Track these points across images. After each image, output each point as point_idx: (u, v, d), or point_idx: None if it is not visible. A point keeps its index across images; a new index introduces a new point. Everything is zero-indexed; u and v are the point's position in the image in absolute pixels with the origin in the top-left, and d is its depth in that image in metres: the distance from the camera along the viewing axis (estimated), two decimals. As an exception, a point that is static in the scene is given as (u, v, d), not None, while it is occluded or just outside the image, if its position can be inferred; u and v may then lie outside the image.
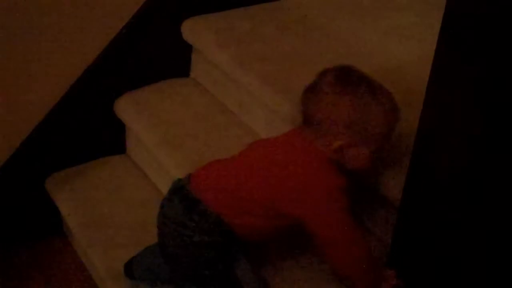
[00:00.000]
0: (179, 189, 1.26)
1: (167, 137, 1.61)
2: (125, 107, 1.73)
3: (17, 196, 1.72)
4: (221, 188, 1.23)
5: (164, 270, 1.35)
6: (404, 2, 1.89)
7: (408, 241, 1.12)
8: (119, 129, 1.80)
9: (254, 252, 1.30)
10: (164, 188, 1.66)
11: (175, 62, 1.81)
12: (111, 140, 1.82)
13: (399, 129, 1.34)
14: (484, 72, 0.87)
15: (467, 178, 0.95)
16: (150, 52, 1.75)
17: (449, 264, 1.05)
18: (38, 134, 1.68)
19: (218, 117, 1.67)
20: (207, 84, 1.79)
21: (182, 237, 1.22)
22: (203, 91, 1.78)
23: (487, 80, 0.87)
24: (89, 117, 1.74)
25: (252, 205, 1.21)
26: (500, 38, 0.83)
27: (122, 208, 1.65)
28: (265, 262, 1.32)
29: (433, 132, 1.00)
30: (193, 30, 1.73)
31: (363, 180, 1.30)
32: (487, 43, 0.85)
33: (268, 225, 1.22)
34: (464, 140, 0.94)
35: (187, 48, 1.79)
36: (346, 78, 1.21)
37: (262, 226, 1.22)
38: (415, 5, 1.87)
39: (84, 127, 1.74)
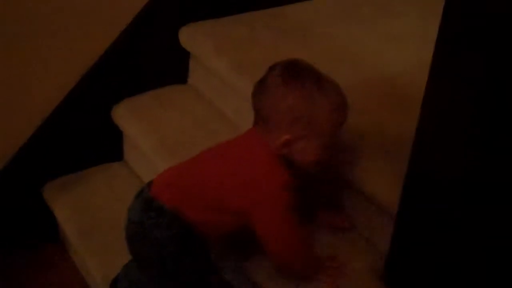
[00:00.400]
0: (139, 193, 1.30)
1: (164, 144, 1.61)
2: (123, 114, 1.73)
3: (14, 203, 1.71)
4: (175, 185, 1.26)
5: (144, 283, 1.34)
6: (402, 9, 1.90)
7: (405, 249, 1.11)
8: (116, 135, 1.79)
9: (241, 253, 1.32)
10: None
11: (173, 68, 1.82)
12: (109, 146, 1.81)
13: (396, 136, 1.33)
14: (482, 76, 0.87)
15: (465, 184, 0.95)
16: (148, 58, 1.75)
17: (447, 271, 1.04)
18: (35, 141, 1.67)
19: (216, 123, 1.67)
20: (204, 90, 1.78)
21: (143, 235, 1.24)
22: (201, 98, 1.78)
23: (485, 84, 0.87)
24: (86, 124, 1.74)
25: (204, 201, 1.23)
26: (497, 41, 0.83)
27: (119, 215, 1.62)
28: (252, 262, 1.32)
29: (430, 138, 0.99)
30: (190, 36, 1.73)
31: (355, 186, 1.31)
32: (484, 47, 0.85)
33: (223, 220, 1.24)
34: (461, 145, 0.94)
35: (185, 55, 1.79)
36: (292, 72, 1.20)
37: (217, 221, 1.24)
38: (412, 12, 1.88)
39: (81, 133, 1.74)
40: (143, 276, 1.32)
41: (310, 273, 1.26)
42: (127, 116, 1.72)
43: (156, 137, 1.63)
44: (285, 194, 1.18)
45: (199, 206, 1.23)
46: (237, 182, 1.21)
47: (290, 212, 1.19)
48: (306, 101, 1.17)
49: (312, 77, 1.20)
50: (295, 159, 1.22)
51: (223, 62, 1.62)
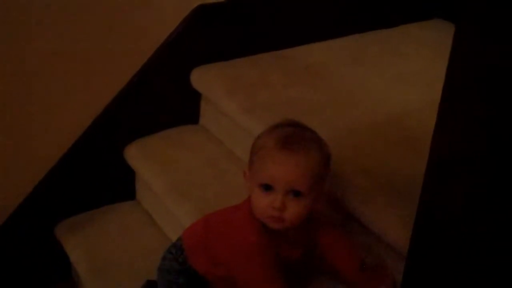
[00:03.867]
0: None
1: (176, 184, 1.62)
2: (135, 154, 1.75)
3: (26, 243, 1.73)
4: (190, 238, 1.33)
5: None
6: (409, 50, 1.92)
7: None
8: (129, 175, 1.82)
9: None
10: (173, 235, 1.67)
11: (185, 109, 1.84)
12: (121, 186, 1.83)
13: (405, 176, 1.35)
14: (492, 116, 0.88)
15: (476, 224, 0.95)
16: (160, 99, 1.78)
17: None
18: (48, 181, 1.69)
19: (227, 164, 1.69)
20: (215, 131, 1.81)
21: (161, 265, 1.36)
22: (212, 138, 1.80)
23: (495, 125, 0.88)
24: (99, 163, 1.76)
25: (207, 254, 1.29)
26: (505, 80, 0.85)
27: (131, 255, 1.65)
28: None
29: (440, 179, 1.00)
30: (201, 78, 1.76)
31: (366, 225, 1.31)
32: (493, 87, 0.86)
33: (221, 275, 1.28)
34: (472, 185, 0.95)
35: (196, 96, 1.82)
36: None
37: (217, 275, 1.29)
38: (420, 53, 1.90)
39: (94, 173, 1.76)
40: None
41: None
42: (139, 156, 1.74)
43: (167, 177, 1.65)
44: (260, 253, 1.19)
45: (208, 262, 1.29)
46: (223, 244, 1.26)
47: (268, 269, 1.20)
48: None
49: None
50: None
51: (234, 104, 1.64)
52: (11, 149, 1.60)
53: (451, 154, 0.96)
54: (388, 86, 1.73)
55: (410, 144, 1.47)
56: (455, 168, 0.96)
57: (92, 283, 1.60)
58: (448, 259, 1.01)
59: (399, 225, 1.25)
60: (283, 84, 1.73)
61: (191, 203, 1.54)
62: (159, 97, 1.77)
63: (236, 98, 1.66)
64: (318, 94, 1.69)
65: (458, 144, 0.94)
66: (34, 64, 1.54)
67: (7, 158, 1.60)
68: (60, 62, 1.57)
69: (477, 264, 0.97)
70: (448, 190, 0.98)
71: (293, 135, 1.19)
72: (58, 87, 1.60)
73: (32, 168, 1.67)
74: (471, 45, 0.87)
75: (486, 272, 0.97)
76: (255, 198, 1.19)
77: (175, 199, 1.58)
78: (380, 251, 1.34)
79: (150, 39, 1.70)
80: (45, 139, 1.66)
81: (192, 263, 1.30)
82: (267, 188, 1.17)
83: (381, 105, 1.64)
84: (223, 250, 1.25)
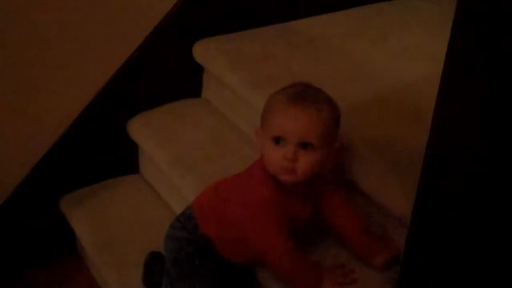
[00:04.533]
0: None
1: (179, 158, 1.63)
2: (138, 128, 1.76)
3: (32, 216, 1.74)
4: (201, 204, 1.35)
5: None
6: (412, 23, 1.91)
7: (418, 260, 1.12)
8: (132, 149, 1.82)
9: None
10: (177, 208, 1.68)
11: (187, 82, 1.84)
12: (125, 160, 1.84)
13: (410, 147, 1.35)
14: (493, 88, 0.88)
15: (478, 196, 0.96)
16: (162, 73, 1.77)
17: (460, 282, 1.05)
18: (52, 155, 1.70)
19: (230, 137, 1.69)
20: (218, 104, 1.81)
21: (169, 234, 1.37)
22: (215, 111, 1.80)
23: (497, 95, 0.88)
24: (103, 137, 1.76)
25: (218, 218, 1.31)
26: (507, 54, 0.84)
27: (136, 227, 1.67)
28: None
29: (442, 149, 1.01)
30: (204, 51, 1.75)
31: (370, 196, 1.32)
32: (495, 59, 0.86)
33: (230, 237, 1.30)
34: (474, 157, 0.95)
35: (199, 69, 1.81)
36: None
37: (227, 239, 1.30)
38: (423, 25, 1.89)
39: (98, 147, 1.77)
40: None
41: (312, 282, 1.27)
42: (142, 130, 1.75)
43: (170, 151, 1.66)
44: (271, 208, 1.22)
45: (217, 222, 1.31)
46: (234, 200, 1.28)
47: (279, 225, 1.22)
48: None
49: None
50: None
51: (236, 77, 1.64)
52: (15, 123, 1.60)
53: (452, 126, 0.96)
54: (391, 58, 1.72)
55: (414, 116, 1.47)
56: (456, 140, 0.96)
57: (98, 256, 1.62)
58: (449, 228, 1.02)
59: (401, 195, 1.26)
60: (286, 57, 1.73)
61: (195, 176, 1.55)
62: (162, 71, 1.77)
63: (239, 71, 1.65)
64: (321, 67, 1.69)
65: (460, 116, 0.95)
66: (37, 35, 1.53)
67: (10, 132, 1.61)
68: (61, 35, 1.57)
69: (477, 233, 0.98)
70: (450, 162, 0.99)
71: (306, 92, 1.24)
72: (60, 61, 1.60)
73: (35, 142, 1.68)
74: (472, 16, 0.87)
75: (487, 242, 0.97)
76: (267, 152, 1.22)
77: (178, 172, 1.59)
78: (382, 221, 1.36)
79: (152, 12, 1.69)
80: (48, 113, 1.66)
81: (202, 228, 1.31)
82: (279, 141, 1.20)
83: (384, 78, 1.63)
84: (236, 210, 1.26)
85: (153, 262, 1.48)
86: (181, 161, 1.61)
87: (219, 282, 1.32)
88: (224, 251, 1.31)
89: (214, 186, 1.36)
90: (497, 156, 0.91)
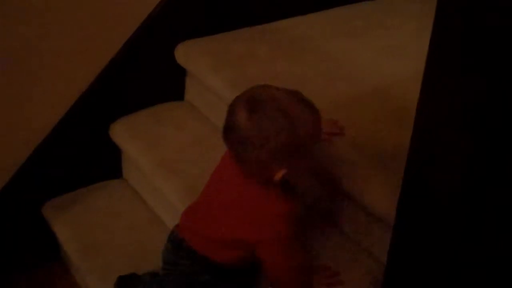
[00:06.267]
0: (171, 233, 1.37)
1: (162, 162, 1.61)
2: (120, 132, 1.74)
3: (14, 223, 1.72)
4: (194, 230, 1.31)
5: None
6: (394, 23, 1.91)
7: (403, 259, 1.12)
8: (115, 153, 1.80)
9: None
10: (162, 212, 1.67)
11: (170, 85, 1.83)
12: (108, 164, 1.82)
13: (393, 147, 1.35)
14: (475, 87, 0.88)
15: (460, 194, 0.96)
16: (144, 76, 1.76)
17: (445, 281, 1.05)
18: (34, 160, 1.68)
19: (213, 140, 1.68)
20: (201, 107, 1.80)
21: (174, 273, 1.32)
22: (198, 114, 1.79)
23: (478, 95, 0.88)
24: (85, 142, 1.75)
25: (220, 242, 1.27)
26: (489, 51, 0.84)
27: (120, 233, 1.65)
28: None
29: (425, 148, 1.00)
30: (186, 54, 1.74)
31: (354, 197, 1.32)
32: (476, 58, 0.86)
33: (242, 254, 1.27)
34: (457, 155, 0.95)
35: (181, 72, 1.80)
36: (259, 108, 1.15)
37: (238, 256, 1.28)
38: (405, 26, 1.89)
39: (80, 152, 1.75)
40: None
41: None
42: (125, 134, 1.73)
43: (153, 155, 1.64)
44: (288, 223, 1.19)
45: (219, 247, 1.28)
46: (244, 221, 1.23)
47: (295, 240, 1.22)
48: (286, 134, 1.13)
49: (281, 104, 1.15)
50: (295, 185, 1.24)
51: (219, 79, 1.63)
52: (-5, 129, 1.59)
53: (435, 125, 0.96)
54: (374, 58, 1.72)
55: (397, 116, 1.46)
56: (439, 138, 0.96)
57: (81, 262, 1.60)
58: (434, 228, 1.02)
59: (386, 197, 1.25)
60: (269, 58, 1.72)
61: (178, 180, 1.54)
62: (144, 74, 1.75)
63: (221, 73, 1.64)
64: (304, 67, 1.68)
65: (442, 115, 0.94)
66: (15, 40, 1.51)
67: (-9, 138, 1.59)
68: (42, 41, 1.55)
69: (462, 232, 0.98)
70: (432, 160, 0.98)
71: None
72: (40, 66, 1.58)
73: (17, 147, 1.66)
74: (453, 16, 0.87)
75: (470, 241, 0.97)
76: (310, 161, 1.22)
77: (162, 176, 1.57)
78: (368, 222, 1.35)
79: (133, 14, 1.68)
80: (30, 118, 1.64)
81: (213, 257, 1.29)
82: None
83: (367, 78, 1.63)
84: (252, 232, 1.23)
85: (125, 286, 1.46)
86: (164, 165, 1.60)
87: None
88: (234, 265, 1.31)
89: (200, 213, 1.32)
90: (481, 154, 0.91)
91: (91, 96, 1.69)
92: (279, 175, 1.16)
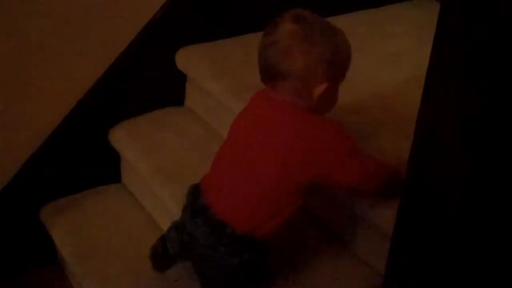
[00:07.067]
0: (201, 211, 1.24)
1: (161, 167, 1.60)
2: (120, 137, 1.73)
3: (11, 226, 1.71)
4: (237, 199, 1.21)
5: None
6: (397, 31, 1.91)
7: (400, 270, 1.11)
8: (114, 158, 1.80)
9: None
10: (159, 218, 1.66)
11: (170, 91, 1.82)
12: (107, 169, 1.81)
13: (391, 156, 1.34)
14: (475, 96, 0.88)
15: (460, 206, 0.95)
16: (144, 81, 1.75)
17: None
18: (33, 164, 1.67)
19: (213, 146, 1.66)
20: (201, 112, 1.79)
21: (213, 259, 1.23)
22: (198, 120, 1.78)
23: (478, 104, 0.87)
24: (84, 146, 1.74)
25: (273, 196, 1.19)
26: (487, 58, 0.84)
27: (117, 238, 1.64)
28: None
29: (425, 159, 1.00)
30: (187, 59, 1.74)
31: (353, 207, 1.31)
32: (476, 64, 0.86)
33: (293, 209, 1.21)
34: (457, 166, 0.94)
35: (182, 77, 1.79)
36: (305, 21, 1.19)
37: (288, 216, 1.21)
38: (407, 33, 1.89)
39: (79, 156, 1.74)
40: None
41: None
42: (124, 139, 1.72)
43: (152, 160, 1.63)
44: (346, 137, 1.19)
45: (269, 210, 1.20)
46: (294, 155, 1.17)
47: (360, 149, 1.20)
48: (331, 45, 1.18)
49: (322, 21, 1.21)
50: (321, 107, 1.23)
51: (219, 85, 1.62)
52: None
53: (435, 133, 0.96)
54: (376, 66, 1.72)
55: (397, 124, 1.46)
56: (439, 147, 0.96)
57: (78, 267, 1.59)
58: (432, 237, 1.01)
59: (385, 206, 1.24)
60: (270, 65, 1.71)
61: (176, 186, 1.53)
62: (144, 79, 1.75)
63: (222, 79, 1.64)
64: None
65: (443, 123, 0.94)
66: (15, 42, 1.51)
67: (-11, 141, 1.58)
68: (43, 44, 1.55)
69: (455, 244, 0.97)
70: (432, 168, 0.98)
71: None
72: (39, 70, 1.57)
73: (16, 150, 1.65)
74: (455, 23, 0.87)
75: (469, 251, 0.96)
76: (335, 96, 1.25)
77: (160, 182, 1.57)
78: (365, 230, 1.34)
79: (135, 18, 1.67)
80: (29, 121, 1.63)
81: (256, 231, 1.21)
82: None
83: (368, 85, 1.63)
84: (321, 148, 1.18)
85: (161, 253, 1.38)
86: (163, 171, 1.59)
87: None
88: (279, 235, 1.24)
89: (236, 173, 1.24)
90: (479, 163, 0.90)
91: (91, 100, 1.68)
92: (320, 88, 1.18)
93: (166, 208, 1.56)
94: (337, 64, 1.20)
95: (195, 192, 1.29)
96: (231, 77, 1.64)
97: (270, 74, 1.21)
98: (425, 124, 0.97)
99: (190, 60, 1.73)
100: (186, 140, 1.70)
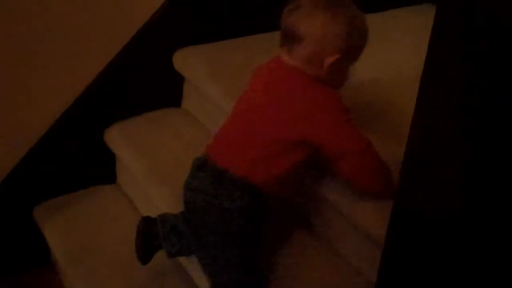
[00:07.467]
0: (202, 165, 1.29)
1: (155, 169, 1.59)
2: (115, 137, 1.72)
3: (5, 226, 1.70)
4: (241, 153, 1.26)
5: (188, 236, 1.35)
6: (397, 36, 1.90)
7: (392, 281, 1.10)
8: (109, 158, 1.78)
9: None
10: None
11: (167, 92, 1.81)
12: (102, 169, 1.80)
13: (391, 164, 1.32)
14: (470, 109, 0.86)
15: (451, 217, 0.94)
16: (141, 81, 1.74)
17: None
18: (27, 162, 1.67)
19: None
20: (198, 114, 1.78)
21: (214, 207, 1.25)
22: (194, 122, 1.77)
23: (472, 116, 0.86)
24: (79, 146, 1.73)
25: (269, 148, 1.24)
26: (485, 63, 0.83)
27: (110, 239, 1.63)
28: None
29: (419, 165, 0.99)
30: (184, 60, 1.72)
31: (346, 216, 1.30)
32: (471, 70, 0.85)
33: (287, 165, 1.24)
34: (451, 173, 0.93)
35: (179, 78, 1.78)
36: None
37: (284, 170, 1.24)
38: (408, 39, 1.87)
39: (74, 155, 1.73)
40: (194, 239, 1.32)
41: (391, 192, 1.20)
42: (119, 139, 1.71)
43: (147, 161, 1.62)
44: (340, 105, 1.24)
45: (267, 159, 1.24)
46: (292, 111, 1.23)
47: (354, 124, 1.24)
48: (353, 21, 1.25)
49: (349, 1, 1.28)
50: (329, 80, 1.27)
51: (216, 87, 1.61)
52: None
53: (429, 143, 0.94)
54: (374, 71, 1.70)
55: (394, 130, 1.44)
56: (432, 157, 0.94)
57: (69, 268, 1.58)
58: (423, 248, 1.00)
59: (376, 214, 1.23)
60: (269, 68, 1.70)
61: (170, 188, 1.52)
62: (141, 79, 1.74)
63: (219, 81, 1.63)
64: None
65: (436, 134, 0.93)
66: (11, 42, 1.50)
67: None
68: (40, 43, 1.54)
69: (454, 252, 0.96)
70: (426, 180, 0.96)
71: None
72: (35, 68, 1.56)
73: (11, 148, 1.64)
74: (451, 28, 0.86)
75: (465, 262, 0.95)
76: (346, 73, 1.32)
77: (153, 184, 1.56)
78: (356, 239, 1.33)
79: (132, 19, 1.66)
80: (24, 120, 1.62)
81: (255, 179, 1.24)
82: None
83: (366, 90, 1.61)
84: (308, 103, 1.24)
85: (148, 228, 1.39)
86: (157, 172, 1.58)
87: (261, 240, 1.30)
88: (280, 192, 1.28)
89: (239, 125, 1.31)
90: (476, 169, 0.89)
91: (87, 100, 1.68)
92: (331, 59, 1.24)
93: (160, 209, 1.54)
94: (353, 41, 1.25)
95: (198, 158, 1.33)
96: (227, 80, 1.63)
97: (288, 36, 1.27)
98: (420, 131, 0.96)
99: (188, 61, 1.72)
100: (182, 141, 1.69)
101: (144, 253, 1.38)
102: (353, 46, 1.26)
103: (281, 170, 1.24)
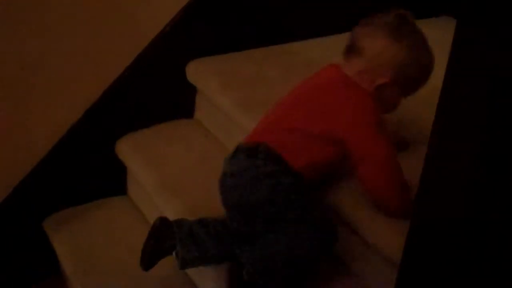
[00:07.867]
0: (235, 151, 1.31)
1: (166, 181, 1.57)
2: (126, 149, 1.71)
3: (15, 237, 1.69)
4: (273, 128, 1.30)
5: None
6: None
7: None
8: (120, 170, 1.77)
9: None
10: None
11: (180, 103, 1.80)
12: (113, 181, 1.79)
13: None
14: (486, 129, 0.84)
15: (471, 236, 0.91)
16: (154, 92, 1.73)
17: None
18: (38, 174, 1.66)
19: (220, 161, 1.63)
20: (210, 126, 1.76)
21: (256, 175, 1.24)
22: (206, 133, 1.76)
23: (488, 138, 0.84)
24: (90, 157, 1.72)
25: (301, 136, 1.25)
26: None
27: (120, 251, 1.61)
28: None
29: (434, 187, 0.96)
30: (197, 72, 1.71)
31: (360, 233, 1.27)
32: (494, 84, 0.83)
33: (309, 160, 1.25)
34: (467, 195, 0.91)
35: (192, 89, 1.77)
36: (406, 22, 1.30)
37: (305, 163, 1.24)
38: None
39: (85, 167, 1.72)
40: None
41: (405, 210, 1.20)
42: (130, 151, 1.70)
43: (157, 173, 1.60)
44: (373, 110, 1.25)
45: (299, 144, 1.26)
46: (326, 106, 1.27)
47: (383, 131, 1.24)
48: (414, 53, 1.28)
49: (421, 33, 1.31)
50: (376, 101, 1.29)
51: (228, 99, 1.60)
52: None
53: (446, 161, 0.92)
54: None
55: (410, 148, 1.42)
56: (451, 174, 0.92)
57: (79, 279, 1.56)
58: (441, 269, 0.98)
59: (391, 233, 1.21)
60: (282, 80, 1.68)
61: (180, 201, 1.50)
62: (153, 90, 1.73)
63: (231, 93, 1.62)
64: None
65: (456, 148, 0.90)
66: (24, 51, 1.49)
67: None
68: (51, 55, 1.53)
69: (462, 274, 0.93)
70: (444, 198, 0.94)
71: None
72: (48, 79, 1.56)
73: (21, 160, 1.63)
74: (471, 43, 0.84)
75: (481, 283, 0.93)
76: (397, 99, 1.33)
77: (164, 196, 1.54)
78: (370, 257, 1.30)
79: (145, 30, 1.66)
80: (34, 132, 1.62)
81: (289, 158, 1.25)
82: None
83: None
84: (345, 104, 1.27)
85: (164, 228, 1.36)
86: (168, 185, 1.56)
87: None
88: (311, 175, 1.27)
89: (279, 109, 1.34)
90: (493, 193, 0.86)
91: (99, 111, 1.67)
92: (381, 81, 1.27)
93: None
94: (408, 72, 1.28)
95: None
96: (240, 91, 1.62)
97: (350, 47, 1.32)
98: (438, 151, 0.93)
99: (200, 72, 1.71)
100: (193, 154, 1.67)
101: (151, 256, 1.35)
102: (407, 78, 1.29)
103: (303, 163, 1.24)
